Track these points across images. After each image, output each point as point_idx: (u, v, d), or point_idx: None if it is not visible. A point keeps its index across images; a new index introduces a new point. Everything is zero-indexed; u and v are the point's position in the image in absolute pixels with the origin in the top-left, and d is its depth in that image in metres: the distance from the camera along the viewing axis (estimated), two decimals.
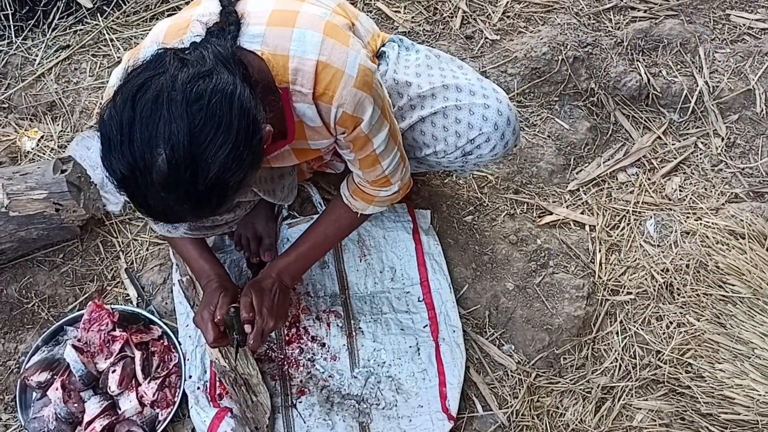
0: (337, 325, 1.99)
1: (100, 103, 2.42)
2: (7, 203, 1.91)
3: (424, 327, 1.99)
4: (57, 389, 1.81)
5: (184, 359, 1.90)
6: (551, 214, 2.25)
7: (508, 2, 2.71)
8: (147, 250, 2.13)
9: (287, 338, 1.97)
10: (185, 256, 1.87)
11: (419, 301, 2.03)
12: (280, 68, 1.38)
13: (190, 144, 1.15)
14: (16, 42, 2.59)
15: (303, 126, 1.49)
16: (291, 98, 1.42)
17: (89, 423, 1.79)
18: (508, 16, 2.68)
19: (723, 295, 2.04)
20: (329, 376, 1.92)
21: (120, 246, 2.13)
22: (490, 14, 2.68)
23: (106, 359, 1.86)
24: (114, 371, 1.83)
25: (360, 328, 1.99)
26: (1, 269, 2.06)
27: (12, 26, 2.62)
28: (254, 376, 1.85)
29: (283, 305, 1.76)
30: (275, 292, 1.73)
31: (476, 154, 1.75)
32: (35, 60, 2.53)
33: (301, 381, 1.91)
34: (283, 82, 1.39)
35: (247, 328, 1.64)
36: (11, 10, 2.63)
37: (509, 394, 1.94)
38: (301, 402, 1.88)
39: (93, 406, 1.81)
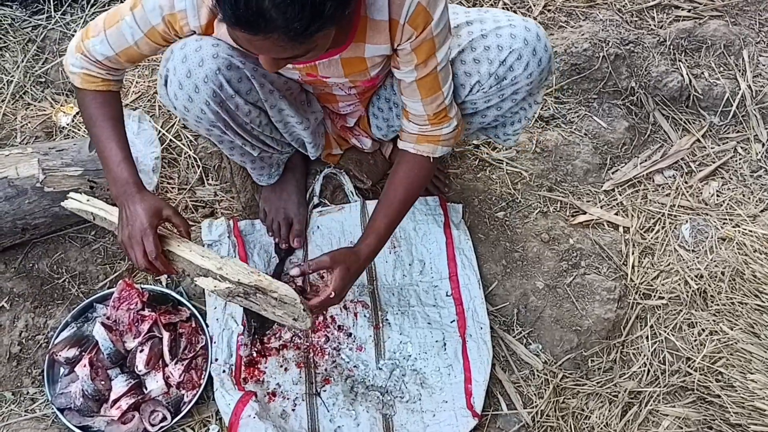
0: (364, 316, 1.98)
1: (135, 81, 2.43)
2: (43, 178, 1.92)
3: (451, 322, 1.98)
4: (85, 366, 1.82)
5: (211, 342, 1.90)
6: (585, 213, 2.22)
7: None
8: None
9: (314, 326, 1.96)
10: (106, 156, 1.66)
11: (447, 295, 2.02)
12: None
13: None
14: (54, 17, 2.60)
15: (366, 23, 1.47)
16: None
17: (115, 401, 1.80)
18: (549, 10, 2.65)
19: (759, 305, 2.01)
20: (354, 366, 1.92)
21: None
22: (531, 7, 2.65)
23: (134, 338, 1.87)
24: (142, 351, 1.84)
25: (387, 319, 1.98)
26: (34, 244, 2.07)
27: (51, 1, 2.62)
28: (263, 279, 1.58)
29: (349, 286, 1.69)
30: (353, 275, 1.68)
31: (510, 79, 1.66)
32: (73, 35, 2.54)
33: (326, 369, 1.91)
34: None
35: (315, 300, 1.60)
36: None
37: (534, 394, 1.92)
38: (325, 390, 1.88)
39: (120, 384, 1.82)
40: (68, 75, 1.70)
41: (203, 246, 1.65)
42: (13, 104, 2.39)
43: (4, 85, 2.43)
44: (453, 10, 1.73)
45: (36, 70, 2.47)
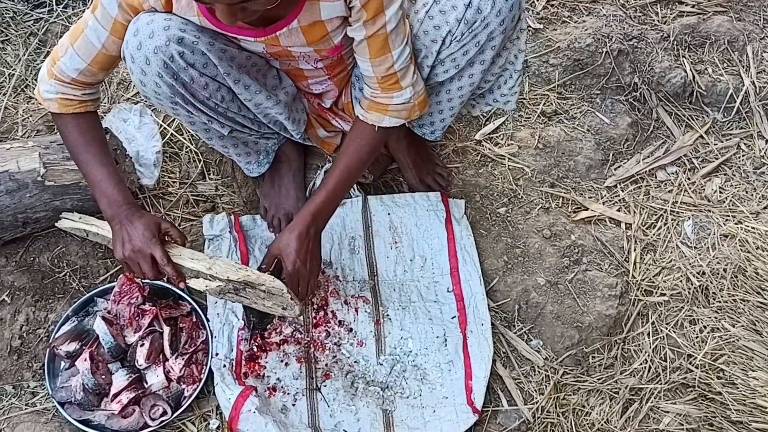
0: (365, 311, 1.98)
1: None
2: (43, 172, 1.92)
3: (452, 318, 1.97)
4: (85, 360, 1.82)
5: (212, 336, 1.90)
6: (587, 209, 2.21)
7: None
8: (179, 225, 2.13)
9: (314, 321, 1.96)
10: (96, 179, 1.70)
11: (448, 291, 2.01)
12: None
13: None
14: (56, 10, 2.60)
15: None
16: None
17: (116, 395, 1.80)
18: (552, 5, 2.63)
19: (761, 302, 2.00)
20: (355, 362, 1.92)
21: None
22: (534, 2, 2.64)
23: (134, 332, 1.87)
24: (142, 345, 1.84)
25: (388, 315, 1.98)
26: (35, 238, 2.07)
27: None
28: (250, 274, 1.66)
29: (316, 253, 1.75)
30: (311, 240, 1.72)
31: (480, 21, 1.65)
32: None
33: (326, 364, 1.91)
34: None
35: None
36: None
37: (535, 390, 1.92)
38: (325, 385, 1.88)
39: (120, 378, 1.82)
40: (43, 103, 1.75)
41: (191, 250, 1.70)
42: (14, 98, 2.38)
43: (5, 78, 2.43)
44: None
45: (38, 64, 2.47)
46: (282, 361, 1.91)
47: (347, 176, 1.78)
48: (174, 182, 2.21)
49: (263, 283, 1.64)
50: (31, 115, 2.32)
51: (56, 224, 1.77)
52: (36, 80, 2.39)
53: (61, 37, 2.49)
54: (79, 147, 1.73)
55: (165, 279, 1.68)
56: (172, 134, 2.28)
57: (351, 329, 1.96)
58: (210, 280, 1.65)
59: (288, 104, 1.85)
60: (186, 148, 2.27)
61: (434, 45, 1.71)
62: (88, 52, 1.63)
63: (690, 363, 1.95)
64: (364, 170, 1.93)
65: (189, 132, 2.29)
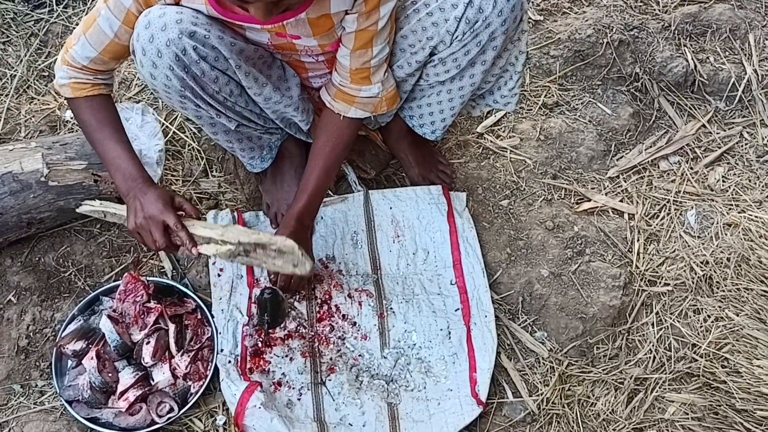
0: (369, 305, 1.99)
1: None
2: (47, 173, 1.93)
3: (455, 310, 1.98)
4: (92, 358, 1.83)
5: (217, 333, 1.91)
6: (589, 200, 2.21)
7: None
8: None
9: (318, 315, 1.97)
10: (111, 156, 1.73)
11: (451, 284, 2.02)
12: None
13: None
14: (57, 10, 2.61)
15: None
16: None
17: (123, 393, 1.82)
18: None
19: (764, 291, 2.00)
20: (359, 355, 1.92)
21: None
22: None
23: (140, 330, 1.88)
24: (148, 342, 1.85)
25: (391, 308, 1.99)
26: (40, 238, 2.08)
27: None
28: (262, 237, 1.69)
29: (308, 247, 1.82)
30: (300, 238, 1.79)
31: (482, 21, 1.66)
32: (76, 28, 2.54)
33: (331, 359, 1.92)
34: None
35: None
36: None
37: (540, 382, 1.92)
38: (330, 380, 1.89)
39: (127, 376, 1.84)
40: (58, 89, 1.77)
41: (204, 221, 1.76)
42: (16, 98, 2.40)
43: (7, 79, 2.44)
44: None
45: (39, 65, 2.48)
46: (287, 355, 1.92)
47: (325, 175, 1.86)
48: (177, 180, 2.22)
49: (274, 242, 1.67)
50: (33, 116, 2.33)
51: (77, 209, 1.78)
52: (39, 81, 2.42)
53: (62, 37, 2.52)
54: (93, 127, 1.74)
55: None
56: (174, 132, 2.29)
57: (355, 323, 1.96)
58: (221, 244, 1.66)
59: (294, 95, 1.87)
60: (188, 146, 2.28)
61: (429, 41, 1.72)
62: (99, 40, 1.64)
63: (694, 352, 1.95)
64: (341, 163, 2.02)
65: (191, 130, 2.30)
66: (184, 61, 1.57)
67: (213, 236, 1.66)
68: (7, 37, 2.55)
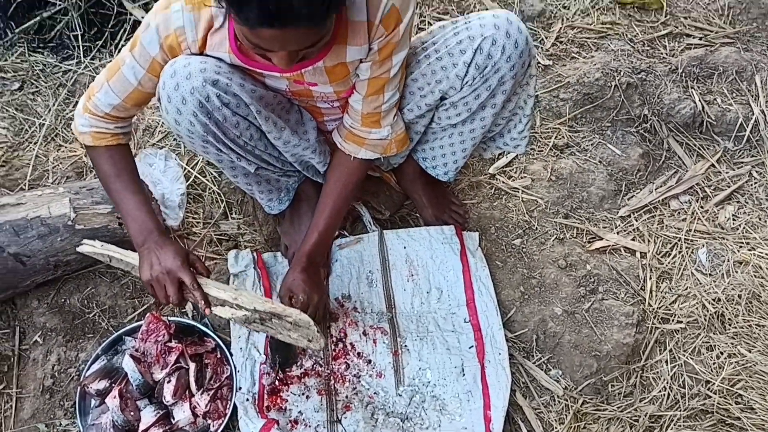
0: (383, 342, 2.02)
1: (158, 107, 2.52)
2: (74, 217, 2.00)
3: (469, 348, 2.00)
4: (115, 397, 1.87)
5: (236, 371, 1.95)
6: (601, 239, 2.25)
7: (561, 28, 2.73)
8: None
9: (334, 354, 2.00)
10: (128, 208, 1.79)
11: (465, 322, 2.05)
12: None
13: None
14: (84, 61, 2.72)
15: (347, 25, 1.56)
16: None
17: (144, 431, 1.85)
18: (561, 42, 2.70)
19: None
20: (374, 393, 1.95)
21: None
22: (543, 39, 2.71)
23: (162, 369, 1.91)
24: (169, 381, 1.89)
25: (406, 346, 2.01)
26: (66, 280, 2.14)
27: (81, 46, 2.75)
28: (276, 306, 1.72)
29: (319, 283, 1.92)
30: (311, 274, 1.87)
31: (491, 66, 1.72)
32: None
33: (346, 396, 1.94)
34: None
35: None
36: (80, 31, 2.76)
37: (555, 420, 1.93)
38: (346, 417, 1.91)
39: (148, 414, 1.87)
40: (77, 136, 1.84)
41: (216, 281, 1.78)
42: (45, 146, 2.49)
43: (36, 128, 2.53)
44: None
45: (67, 113, 2.58)
46: (303, 393, 1.94)
47: (336, 214, 1.92)
48: (198, 222, 2.28)
49: (290, 315, 1.70)
50: (61, 163, 2.42)
51: (78, 249, 1.83)
52: (66, 129, 2.51)
53: (87, 88, 2.62)
54: (111, 177, 1.81)
55: (189, 308, 1.72)
56: (195, 177, 2.37)
57: (370, 361, 1.99)
58: (236, 309, 1.70)
59: (312, 138, 1.93)
60: (209, 189, 2.35)
61: (439, 85, 1.79)
62: (123, 88, 1.71)
63: (708, 389, 1.96)
64: (350, 203, 2.08)
65: (212, 174, 2.37)
66: (207, 107, 1.64)
67: (227, 299, 1.70)
68: (37, 87, 2.66)
